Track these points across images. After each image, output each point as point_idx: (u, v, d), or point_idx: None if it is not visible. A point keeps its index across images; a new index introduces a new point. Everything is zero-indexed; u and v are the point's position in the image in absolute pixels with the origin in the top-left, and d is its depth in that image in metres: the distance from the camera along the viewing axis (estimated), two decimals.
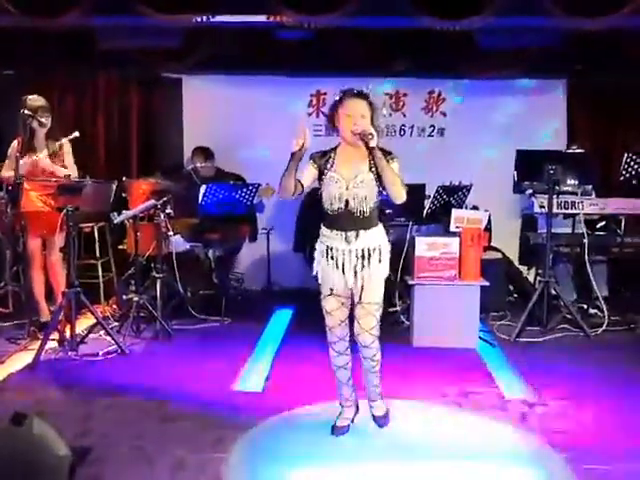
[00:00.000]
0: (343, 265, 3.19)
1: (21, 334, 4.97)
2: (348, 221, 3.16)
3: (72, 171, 4.95)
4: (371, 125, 3.12)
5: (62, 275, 4.83)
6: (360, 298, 3.22)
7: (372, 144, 3.05)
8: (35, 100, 4.91)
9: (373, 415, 3.48)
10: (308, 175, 3.24)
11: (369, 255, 3.18)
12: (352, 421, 3.44)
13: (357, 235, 3.16)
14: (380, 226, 3.27)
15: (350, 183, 3.15)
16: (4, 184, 5.22)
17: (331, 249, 3.21)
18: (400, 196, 3.13)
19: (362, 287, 3.19)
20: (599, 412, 3.73)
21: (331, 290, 3.23)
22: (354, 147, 3.17)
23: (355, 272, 3.18)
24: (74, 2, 5.06)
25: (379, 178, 3.13)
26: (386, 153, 3.14)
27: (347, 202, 3.15)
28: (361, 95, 3.16)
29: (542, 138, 6.75)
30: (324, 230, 3.25)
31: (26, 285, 5.15)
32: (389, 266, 3.30)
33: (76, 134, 4.94)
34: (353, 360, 3.40)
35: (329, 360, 3.38)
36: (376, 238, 3.22)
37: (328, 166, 3.20)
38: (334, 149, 3.26)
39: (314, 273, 3.31)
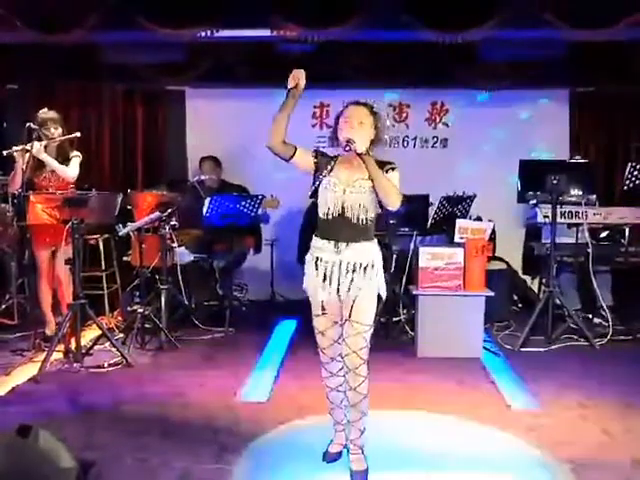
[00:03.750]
0: (331, 278, 2.99)
1: (26, 346, 4.99)
2: (342, 229, 2.97)
3: (72, 171, 4.97)
4: (374, 132, 3.01)
5: (69, 286, 4.84)
6: (350, 315, 2.99)
7: (358, 150, 2.92)
8: (44, 113, 4.97)
9: (351, 470, 3.06)
10: (303, 156, 3.04)
11: (360, 269, 2.97)
12: (345, 446, 3.25)
13: (347, 246, 2.97)
14: (375, 241, 3.06)
15: (348, 188, 2.98)
16: (10, 197, 5.26)
17: (320, 260, 3.02)
18: (392, 202, 2.94)
19: (352, 304, 2.98)
20: (604, 422, 3.71)
21: (322, 308, 3.03)
22: (354, 156, 2.99)
23: (344, 286, 2.97)
24: (80, 18, 5.11)
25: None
26: (385, 163, 3.02)
27: (343, 208, 2.97)
28: (362, 103, 3.04)
29: (545, 148, 6.77)
30: (315, 240, 3.06)
31: (32, 297, 5.17)
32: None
33: (77, 134, 4.98)
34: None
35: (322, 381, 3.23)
36: (369, 253, 3.01)
37: (326, 171, 3.02)
38: (336, 157, 3.10)
39: (304, 287, 3.12)
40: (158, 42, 5.63)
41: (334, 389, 3.19)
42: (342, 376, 3.11)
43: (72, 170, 4.99)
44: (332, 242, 2.99)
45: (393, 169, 3.02)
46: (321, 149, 3.15)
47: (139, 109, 7.10)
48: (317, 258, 3.03)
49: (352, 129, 2.96)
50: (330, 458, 3.24)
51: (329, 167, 3.03)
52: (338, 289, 2.98)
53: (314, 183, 3.06)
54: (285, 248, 6.82)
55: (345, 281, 2.97)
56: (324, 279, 3.00)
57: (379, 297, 3.07)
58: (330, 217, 2.99)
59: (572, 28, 5.05)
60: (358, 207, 2.97)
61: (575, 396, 4.11)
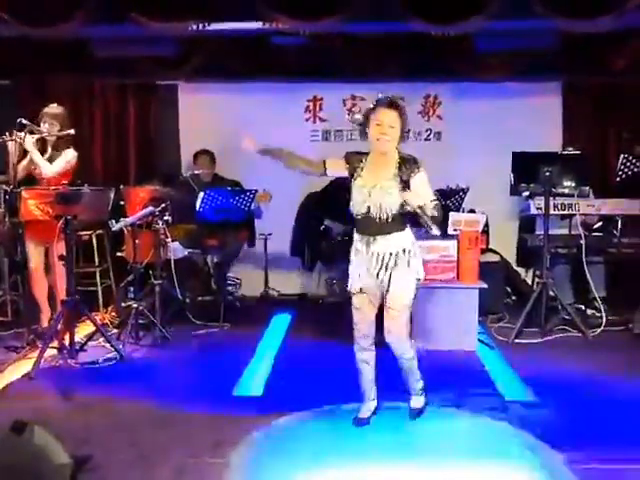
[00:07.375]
0: (368, 267, 3.35)
1: (20, 343, 4.96)
2: (369, 226, 3.32)
3: (52, 167, 4.94)
4: (401, 131, 3.28)
5: (63, 283, 4.83)
6: (386, 301, 3.37)
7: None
8: (49, 108, 5.00)
9: (409, 407, 3.64)
10: (336, 165, 3.44)
11: (391, 258, 3.31)
12: (374, 413, 3.57)
13: (375, 240, 3.32)
14: (407, 230, 3.38)
15: (372, 190, 3.29)
16: (1, 193, 5.22)
17: (357, 251, 3.40)
18: (435, 232, 3.25)
19: (387, 289, 3.34)
20: (598, 412, 3.74)
21: (360, 287, 3.39)
22: (382, 155, 3.32)
23: (378, 275, 3.33)
24: (71, 11, 5.08)
25: (404, 186, 3.26)
26: (412, 162, 3.32)
27: (369, 208, 3.29)
28: (393, 105, 3.28)
29: (538, 140, 6.77)
30: (354, 234, 3.44)
31: (25, 293, 5.15)
32: None
33: (70, 131, 4.95)
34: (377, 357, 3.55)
35: (353, 354, 3.53)
36: (399, 242, 3.33)
37: (359, 170, 3.36)
38: (367, 154, 3.40)
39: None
40: (150, 36, 5.61)
41: (364, 361, 3.52)
42: (373, 350, 3.52)
43: (52, 167, 4.95)
44: (365, 237, 3.36)
45: (418, 169, 3.32)
46: (350, 151, 3.45)
47: (131, 103, 7.06)
48: (356, 249, 3.41)
49: (383, 135, 3.25)
50: (359, 423, 3.51)
51: (361, 167, 3.36)
52: (377, 275, 3.33)
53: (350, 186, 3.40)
54: (279, 242, 6.82)
55: (379, 269, 3.32)
56: (362, 268, 3.37)
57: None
58: (359, 216, 3.35)
59: (563, 18, 5.05)
60: (380, 208, 3.28)
61: (569, 386, 4.13)
